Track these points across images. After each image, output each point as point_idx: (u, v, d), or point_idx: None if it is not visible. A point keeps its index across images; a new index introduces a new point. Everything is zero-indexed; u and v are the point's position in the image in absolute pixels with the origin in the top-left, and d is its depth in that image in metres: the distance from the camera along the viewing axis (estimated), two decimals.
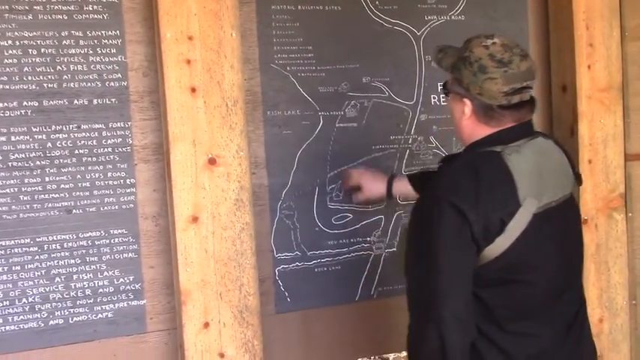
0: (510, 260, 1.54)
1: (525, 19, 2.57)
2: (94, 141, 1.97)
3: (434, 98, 2.42)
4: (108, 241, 1.99)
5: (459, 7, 2.46)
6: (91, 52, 1.96)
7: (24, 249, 1.91)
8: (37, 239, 1.92)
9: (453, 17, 2.45)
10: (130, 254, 2.01)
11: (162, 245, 2.03)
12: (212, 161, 1.94)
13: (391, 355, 3.90)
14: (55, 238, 1.94)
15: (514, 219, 1.53)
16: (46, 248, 1.93)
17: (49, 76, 1.92)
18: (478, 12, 2.48)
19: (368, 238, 2.34)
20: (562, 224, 1.66)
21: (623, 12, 2.54)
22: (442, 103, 2.43)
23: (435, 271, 1.50)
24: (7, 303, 1.90)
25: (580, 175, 1.91)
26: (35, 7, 1.91)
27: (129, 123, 2.00)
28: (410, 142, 2.39)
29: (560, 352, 1.64)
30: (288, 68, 2.21)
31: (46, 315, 1.94)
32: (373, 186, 2.15)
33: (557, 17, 2.53)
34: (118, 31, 1.98)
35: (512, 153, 1.57)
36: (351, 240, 2.31)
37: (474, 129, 1.64)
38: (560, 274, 1.66)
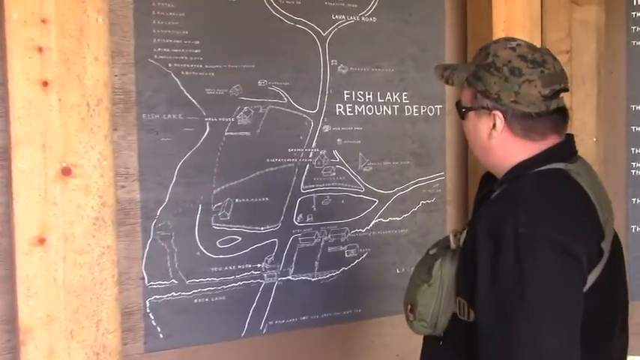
0: (595, 297, 1.31)
1: (442, 26, 2.44)
2: None
3: (339, 108, 2.26)
4: None
5: (371, 8, 2.30)
6: None
7: None
8: None
9: (363, 18, 2.29)
10: None
11: (2, 271, 1.76)
12: (66, 171, 1.69)
13: None
14: None
15: (604, 247, 1.34)
16: None
17: None
18: (391, 14, 2.33)
19: (259, 265, 2.15)
20: (619, 258, 1.48)
21: (544, 25, 2.43)
22: (348, 114, 2.28)
23: (546, 330, 1.22)
24: None
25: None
26: None
27: None
28: (310, 155, 2.21)
29: None
30: (169, 65, 2.02)
31: None
32: None
33: (476, 26, 2.39)
34: None
35: (579, 172, 1.38)
36: (239, 267, 2.12)
37: (511, 147, 1.39)
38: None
